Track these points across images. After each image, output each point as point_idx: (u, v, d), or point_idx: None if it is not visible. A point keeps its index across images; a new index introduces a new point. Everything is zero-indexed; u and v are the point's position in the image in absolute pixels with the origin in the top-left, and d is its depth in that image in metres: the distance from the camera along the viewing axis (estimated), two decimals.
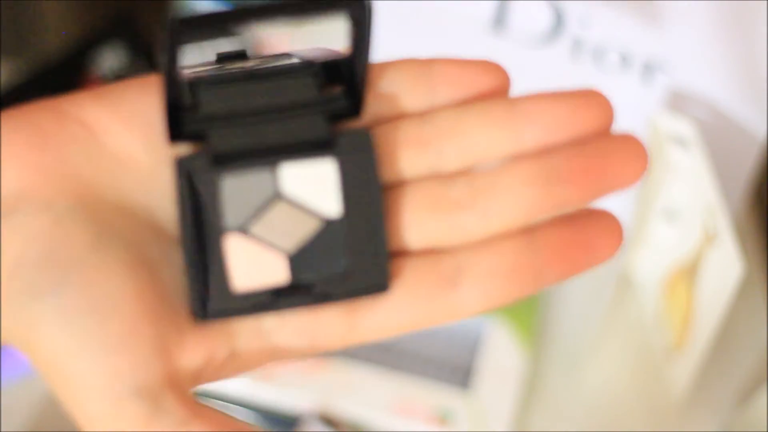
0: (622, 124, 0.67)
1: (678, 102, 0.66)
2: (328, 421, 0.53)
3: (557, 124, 0.32)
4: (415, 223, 0.33)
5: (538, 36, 0.66)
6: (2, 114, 0.32)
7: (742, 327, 0.66)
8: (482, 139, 0.33)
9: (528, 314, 0.64)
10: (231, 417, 0.31)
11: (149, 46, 0.74)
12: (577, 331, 0.65)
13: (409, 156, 0.33)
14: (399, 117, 0.33)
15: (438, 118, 0.33)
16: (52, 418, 0.58)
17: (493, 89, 0.33)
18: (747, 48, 0.64)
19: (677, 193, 0.61)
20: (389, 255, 0.33)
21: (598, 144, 0.32)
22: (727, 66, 0.65)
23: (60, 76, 0.72)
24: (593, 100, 0.32)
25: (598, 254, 0.33)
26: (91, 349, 0.29)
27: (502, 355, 0.62)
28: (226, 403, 0.58)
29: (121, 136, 0.32)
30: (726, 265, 0.55)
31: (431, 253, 0.33)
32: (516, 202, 0.32)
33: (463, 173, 0.33)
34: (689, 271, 0.60)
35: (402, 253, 0.33)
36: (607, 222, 0.33)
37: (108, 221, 0.31)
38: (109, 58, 0.74)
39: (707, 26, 0.64)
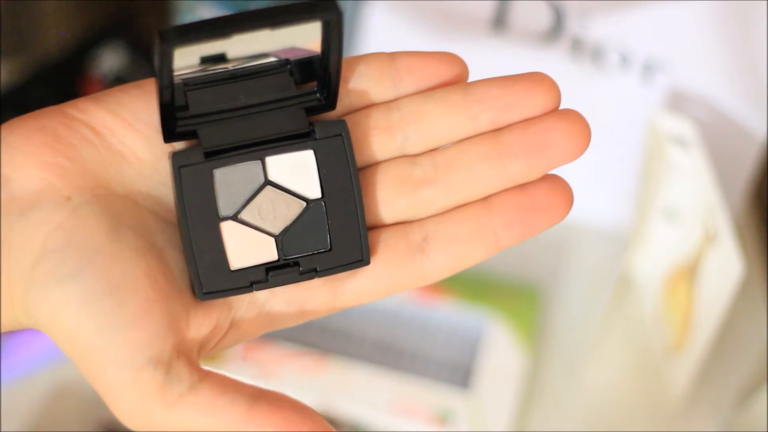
0: (622, 124, 0.68)
1: (678, 102, 0.66)
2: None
3: (508, 106, 0.36)
4: (387, 200, 0.36)
5: (538, 36, 0.66)
6: (12, 119, 0.35)
7: (742, 327, 0.66)
8: (443, 123, 0.36)
9: (528, 314, 0.64)
10: (234, 379, 0.34)
11: (149, 46, 0.74)
12: (577, 331, 0.65)
13: (378, 141, 0.36)
14: (368, 106, 0.37)
15: (403, 106, 0.37)
16: (52, 418, 0.59)
17: (452, 78, 0.37)
18: (747, 48, 0.64)
19: (677, 193, 0.61)
20: (368, 232, 0.36)
21: (544, 122, 0.36)
22: (727, 66, 0.65)
23: (60, 76, 0.72)
24: (540, 83, 0.36)
25: (550, 216, 0.36)
26: (111, 326, 0.32)
27: (502, 355, 0.62)
28: None
29: (124, 135, 0.35)
30: (726, 265, 0.55)
31: (401, 225, 0.37)
32: (474, 176, 0.36)
33: (428, 153, 0.37)
34: (689, 271, 0.60)
35: (376, 227, 0.37)
36: (558, 186, 0.36)
37: (119, 212, 0.34)
38: (109, 58, 0.74)
39: (707, 26, 0.64)
